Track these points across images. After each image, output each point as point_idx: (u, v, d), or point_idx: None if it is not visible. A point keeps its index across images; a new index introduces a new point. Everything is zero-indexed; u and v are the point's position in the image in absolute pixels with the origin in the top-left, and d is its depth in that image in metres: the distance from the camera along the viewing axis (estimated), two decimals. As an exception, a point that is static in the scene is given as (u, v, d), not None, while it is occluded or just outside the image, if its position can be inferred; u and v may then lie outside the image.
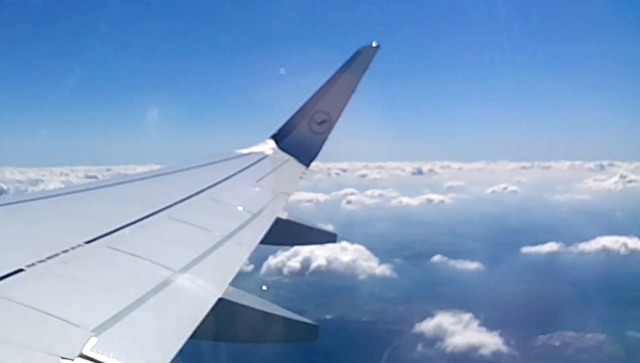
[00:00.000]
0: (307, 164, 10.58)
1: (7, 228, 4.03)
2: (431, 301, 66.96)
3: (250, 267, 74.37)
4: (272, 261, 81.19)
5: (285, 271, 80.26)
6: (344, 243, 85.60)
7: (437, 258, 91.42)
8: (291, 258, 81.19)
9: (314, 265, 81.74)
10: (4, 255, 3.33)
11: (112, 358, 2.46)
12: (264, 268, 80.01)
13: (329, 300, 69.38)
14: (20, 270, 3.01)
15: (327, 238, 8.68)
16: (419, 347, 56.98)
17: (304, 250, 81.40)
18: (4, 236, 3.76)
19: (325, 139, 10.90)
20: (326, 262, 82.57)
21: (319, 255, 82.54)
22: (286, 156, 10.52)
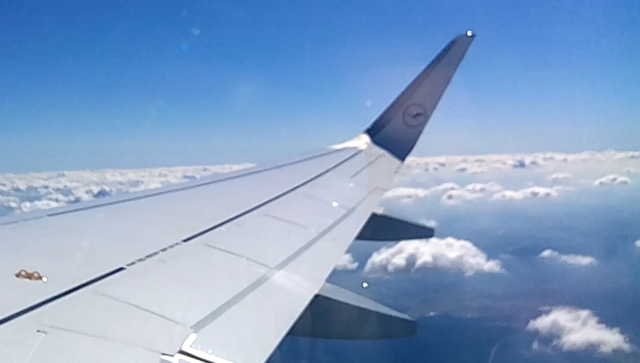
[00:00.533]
0: (403, 159, 10.43)
1: (108, 227, 4.20)
2: (543, 298, 64.61)
3: (355, 265, 74.57)
4: (377, 258, 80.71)
5: (390, 268, 79.51)
6: (450, 239, 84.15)
7: (546, 253, 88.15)
8: (396, 255, 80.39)
9: (419, 262, 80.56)
10: (106, 253, 3.47)
11: (211, 354, 2.51)
12: (368, 265, 79.68)
13: (433, 297, 68.33)
14: (121, 269, 3.13)
15: (424, 233, 8.53)
16: (535, 345, 55.18)
17: (409, 247, 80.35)
18: (105, 236, 3.93)
19: (420, 132, 10.71)
20: (432, 259, 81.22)
21: (424, 251, 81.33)
22: (380, 151, 10.43)
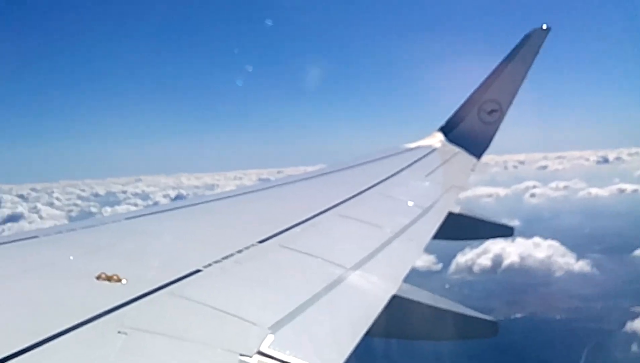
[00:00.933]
0: (479, 156, 10.25)
1: (184, 229, 4.31)
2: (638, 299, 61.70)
3: (439, 266, 73.42)
4: (461, 259, 78.70)
5: (475, 269, 77.37)
6: (537, 239, 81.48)
7: (639, 252, 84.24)
8: (481, 255, 78.33)
9: (506, 263, 78.08)
10: (183, 256, 3.56)
11: (289, 355, 2.52)
12: (453, 266, 77.89)
13: (519, 298, 66.21)
14: (198, 271, 3.19)
15: (504, 231, 8.37)
16: (634, 347, 52.76)
17: (495, 247, 78.04)
18: (182, 238, 4.03)
19: (496, 129, 10.50)
20: (519, 259, 78.55)
21: (511, 252, 78.80)
22: (456, 149, 10.28)
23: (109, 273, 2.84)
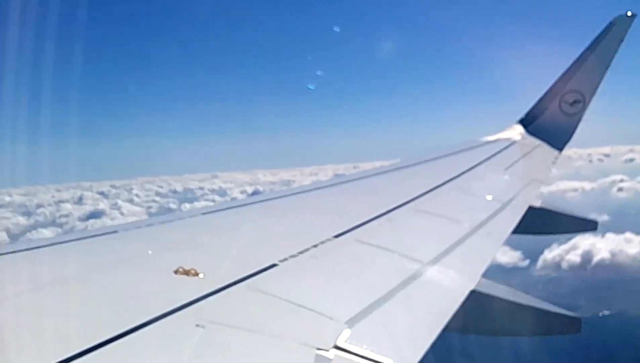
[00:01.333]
0: (560, 149, 9.93)
1: (260, 224, 4.34)
2: None
3: (525, 262, 71.61)
4: (548, 255, 76.34)
5: (563, 265, 74.75)
6: (628, 234, 78.24)
7: None
8: (570, 251, 75.44)
9: (596, 259, 75.05)
10: (259, 250, 3.60)
11: (366, 350, 2.50)
12: (540, 262, 75.60)
13: (607, 294, 63.43)
14: (274, 265, 3.22)
15: (587, 226, 8.07)
16: None
17: (584, 243, 74.99)
18: (258, 233, 4.07)
19: (579, 120, 10.15)
20: (610, 255, 75.54)
21: (601, 247, 75.64)
22: (536, 141, 10.00)
23: (187, 267, 2.90)
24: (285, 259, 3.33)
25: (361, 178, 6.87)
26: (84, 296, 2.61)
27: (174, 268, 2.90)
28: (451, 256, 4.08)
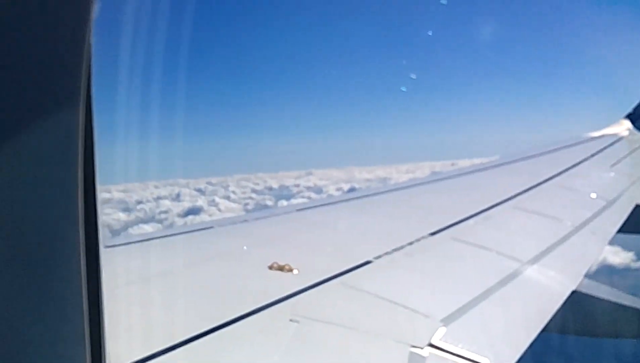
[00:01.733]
0: None
1: (355, 221, 4.36)
2: None
3: (638, 263, 67.90)
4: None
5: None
6: None
7: None
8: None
9: None
10: (353, 247, 3.59)
11: (461, 349, 2.45)
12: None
13: None
14: (368, 262, 3.21)
15: None
16: None
17: None
18: (352, 229, 4.08)
19: None
20: None
21: None
22: None
23: (281, 263, 2.95)
24: (380, 256, 3.31)
25: (459, 175, 6.76)
26: (182, 289, 2.70)
27: (269, 264, 2.95)
28: (552, 255, 3.94)
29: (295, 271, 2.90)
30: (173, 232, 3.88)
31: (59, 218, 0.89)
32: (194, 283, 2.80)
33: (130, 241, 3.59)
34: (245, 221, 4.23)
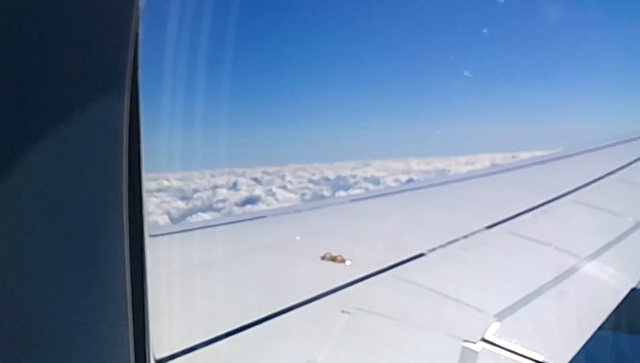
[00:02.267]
0: None
1: (409, 213, 4.32)
2: None
3: None
4: None
5: None
6: None
7: None
8: None
9: None
10: (408, 239, 3.56)
11: (515, 344, 2.42)
12: None
13: None
14: (422, 254, 3.19)
15: None
16: None
17: None
18: (407, 221, 4.05)
19: None
20: None
21: None
22: None
23: (334, 254, 2.95)
24: (434, 249, 3.29)
25: (518, 167, 6.63)
26: (237, 278, 2.73)
27: (322, 254, 2.96)
28: (611, 251, 3.83)
29: (348, 262, 2.90)
30: (228, 221, 3.92)
31: (104, 207, 0.91)
32: (248, 272, 2.83)
33: (187, 228, 3.65)
34: (299, 210, 4.24)
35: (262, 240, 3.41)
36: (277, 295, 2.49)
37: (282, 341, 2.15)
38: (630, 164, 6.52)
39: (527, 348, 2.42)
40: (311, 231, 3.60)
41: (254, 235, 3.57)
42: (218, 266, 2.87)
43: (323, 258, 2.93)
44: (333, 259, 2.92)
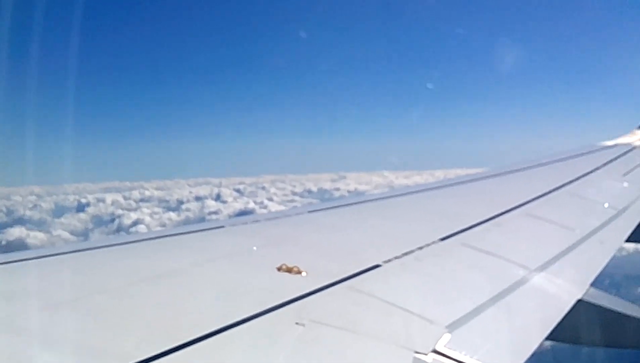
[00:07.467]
0: None
1: (365, 224, 4.24)
2: None
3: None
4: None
5: None
6: None
7: None
8: None
9: None
10: (363, 250, 3.47)
11: (465, 355, 2.36)
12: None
13: None
14: (377, 266, 3.09)
15: None
16: None
17: None
18: (362, 232, 3.97)
19: None
20: None
21: None
22: None
23: (290, 265, 2.85)
24: (389, 260, 3.21)
25: (471, 180, 6.62)
26: (186, 289, 2.59)
27: (277, 265, 2.85)
28: (559, 263, 3.83)
29: (303, 274, 2.80)
30: (182, 231, 3.78)
31: None
32: (199, 283, 2.69)
33: (135, 239, 3.52)
34: (257, 221, 4.13)
35: (217, 250, 3.27)
36: (231, 307, 2.37)
37: (234, 353, 2.04)
38: (578, 178, 6.58)
39: (477, 360, 2.36)
40: (268, 242, 3.48)
41: (210, 244, 3.44)
42: (169, 278, 2.73)
43: (279, 269, 2.83)
44: (289, 270, 2.81)
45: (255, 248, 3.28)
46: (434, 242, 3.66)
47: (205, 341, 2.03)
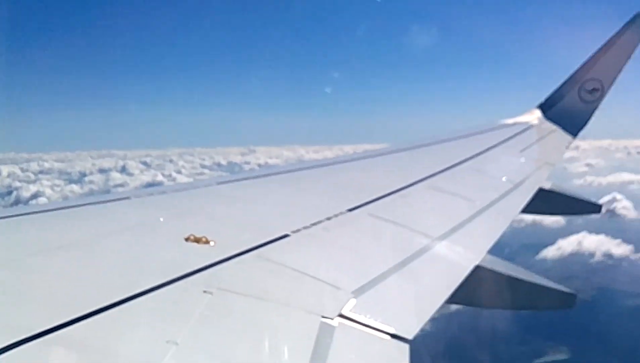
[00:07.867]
0: (575, 135, 9.73)
1: (275, 196, 4.26)
2: None
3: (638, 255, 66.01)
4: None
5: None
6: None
7: None
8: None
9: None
10: (272, 221, 3.51)
11: (370, 318, 2.44)
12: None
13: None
14: (286, 235, 3.13)
15: (591, 209, 8.04)
16: None
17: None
18: (272, 204, 3.99)
19: (595, 108, 9.91)
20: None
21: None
22: (552, 126, 9.76)
23: (198, 235, 2.83)
24: (298, 230, 3.25)
25: (379, 154, 6.76)
26: (89, 260, 2.54)
27: (185, 236, 2.83)
28: (460, 232, 3.99)
29: (212, 244, 2.79)
30: (85, 202, 3.63)
31: None
32: (105, 254, 2.63)
33: (42, 209, 3.35)
34: (164, 192, 4.04)
35: (123, 221, 3.19)
36: (135, 277, 2.34)
37: (141, 322, 2.02)
38: (480, 153, 6.85)
39: (381, 322, 2.44)
40: (176, 213, 3.43)
41: (115, 215, 3.34)
42: (75, 249, 2.65)
43: (187, 239, 2.80)
44: (197, 240, 2.79)
45: (162, 219, 3.23)
46: (341, 213, 3.73)
47: (109, 310, 2.00)
